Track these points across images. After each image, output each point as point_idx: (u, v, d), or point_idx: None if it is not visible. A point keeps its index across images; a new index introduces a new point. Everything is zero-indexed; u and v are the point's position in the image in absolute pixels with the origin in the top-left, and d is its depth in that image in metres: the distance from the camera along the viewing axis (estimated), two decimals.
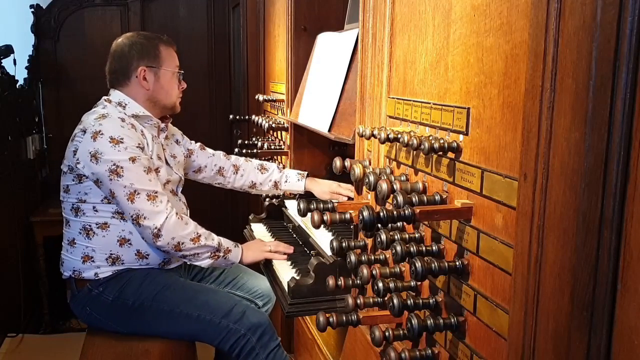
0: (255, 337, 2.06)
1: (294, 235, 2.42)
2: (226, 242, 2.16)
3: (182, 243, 2.04)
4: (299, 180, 2.40)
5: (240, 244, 2.22)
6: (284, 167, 2.56)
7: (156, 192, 2.01)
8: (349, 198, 2.19)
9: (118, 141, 1.97)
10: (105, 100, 2.17)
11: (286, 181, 2.44)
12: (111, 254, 2.12)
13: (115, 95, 2.16)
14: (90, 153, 1.97)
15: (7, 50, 3.65)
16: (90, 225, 2.10)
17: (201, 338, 2.15)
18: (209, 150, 2.53)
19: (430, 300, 1.19)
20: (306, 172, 2.43)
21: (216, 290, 2.25)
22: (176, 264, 2.24)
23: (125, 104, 2.13)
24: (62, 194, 2.15)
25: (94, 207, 2.09)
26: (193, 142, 2.50)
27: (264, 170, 2.48)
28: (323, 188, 2.30)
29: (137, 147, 2.02)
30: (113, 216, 2.08)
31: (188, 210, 2.35)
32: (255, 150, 2.74)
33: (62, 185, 2.13)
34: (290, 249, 2.20)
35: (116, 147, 1.97)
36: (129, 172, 1.97)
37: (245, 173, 2.49)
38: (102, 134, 1.98)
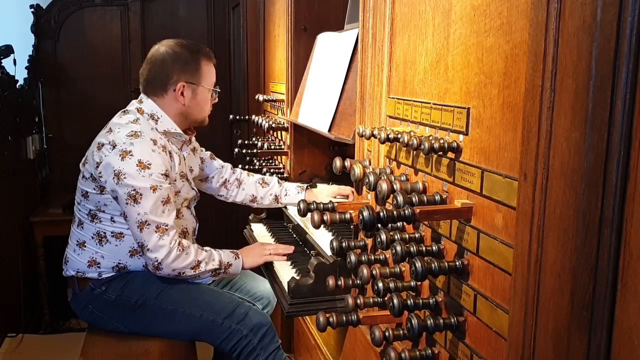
0: (256, 339, 2.08)
1: (294, 235, 2.42)
2: (226, 257, 2.17)
3: (183, 272, 2.07)
4: (298, 193, 2.40)
5: (240, 253, 2.22)
6: (284, 175, 2.56)
7: (167, 225, 2.01)
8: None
9: (145, 166, 1.95)
10: (137, 109, 2.11)
11: (286, 194, 2.44)
12: (119, 263, 2.13)
13: (148, 105, 2.11)
14: (114, 171, 1.95)
15: (7, 50, 3.65)
16: (104, 232, 2.11)
17: (203, 338, 2.16)
18: (219, 162, 2.54)
19: (430, 300, 1.19)
20: (306, 185, 2.42)
21: (219, 291, 2.25)
22: None
23: (158, 118, 2.09)
24: (79, 196, 2.13)
25: (111, 218, 2.09)
26: (203, 149, 2.50)
27: (265, 184, 2.48)
28: (323, 197, 2.29)
29: (163, 174, 2.00)
30: (129, 228, 2.07)
31: (197, 224, 2.36)
32: (255, 150, 2.74)
33: (81, 189, 2.11)
34: (290, 249, 2.21)
35: (141, 172, 1.94)
36: (147, 200, 1.96)
37: (247, 187, 2.50)
38: (131, 154, 1.95)
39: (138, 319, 2.12)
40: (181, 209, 2.20)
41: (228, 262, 2.16)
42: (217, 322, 2.08)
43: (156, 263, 2.01)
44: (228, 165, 2.55)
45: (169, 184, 2.04)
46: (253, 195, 2.49)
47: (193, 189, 2.28)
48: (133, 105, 2.15)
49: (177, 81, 2.09)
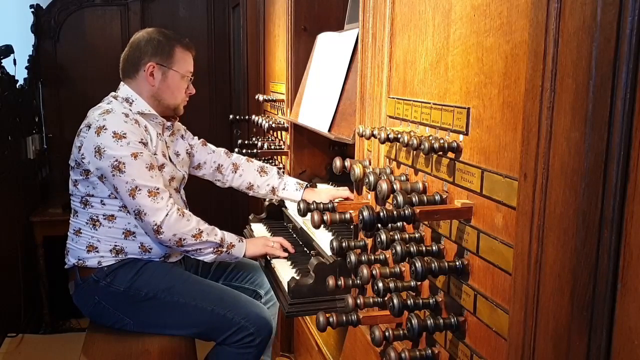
0: (258, 339, 2.13)
1: (294, 235, 2.42)
2: (230, 237, 2.18)
3: (184, 239, 2.06)
4: (297, 190, 2.37)
5: (244, 240, 2.23)
6: (284, 173, 2.54)
7: (157, 189, 2.03)
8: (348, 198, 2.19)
9: (121, 136, 2.00)
10: (111, 96, 2.20)
11: (284, 188, 2.41)
12: (115, 246, 2.14)
13: (124, 90, 2.19)
14: (94, 148, 2.00)
15: (7, 50, 3.65)
16: (97, 217, 2.13)
17: (210, 332, 2.17)
18: (210, 147, 2.52)
19: (430, 300, 1.19)
20: (306, 183, 2.40)
21: (229, 289, 2.27)
22: (176, 258, 2.27)
23: (132, 101, 2.16)
24: (71, 187, 2.18)
25: (101, 201, 2.12)
26: (196, 137, 2.50)
27: (264, 173, 2.46)
28: (322, 198, 2.27)
29: (140, 142, 2.04)
30: (120, 209, 2.11)
31: (187, 208, 2.35)
32: (255, 150, 2.74)
33: (71, 179, 2.16)
34: (292, 249, 2.21)
35: (119, 142, 1.99)
36: (131, 167, 1.99)
37: (244, 173, 2.47)
38: (105, 128, 2.00)
39: (147, 310, 2.13)
40: (170, 190, 2.19)
41: (231, 242, 2.16)
42: (227, 317, 2.11)
43: (156, 226, 2.02)
44: (221, 150, 2.53)
45: (149, 152, 2.07)
46: (250, 183, 2.47)
47: (179, 170, 2.29)
48: (110, 94, 2.23)
49: (147, 62, 2.16)
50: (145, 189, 2.00)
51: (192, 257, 2.17)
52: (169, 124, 2.25)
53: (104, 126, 2.01)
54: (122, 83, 2.22)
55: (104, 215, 2.13)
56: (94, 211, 2.13)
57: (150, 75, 2.16)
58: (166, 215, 2.02)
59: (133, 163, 2.00)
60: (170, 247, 2.14)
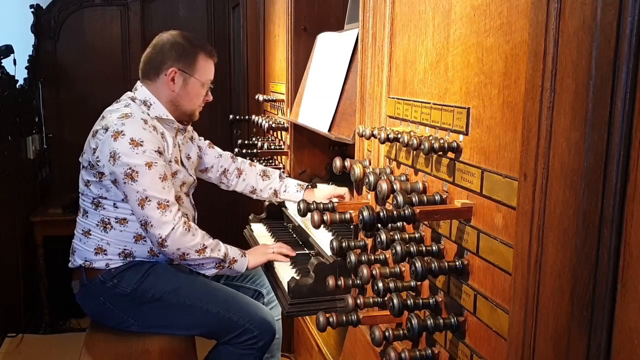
0: (262, 341, 2.14)
1: (294, 235, 2.42)
2: (233, 252, 2.17)
3: (187, 254, 2.06)
4: (297, 191, 2.40)
5: (246, 253, 2.22)
6: (287, 175, 2.56)
7: (167, 201, 2.01)
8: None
9: (138, 143, 1.97)
10: (129, 97, 2.16)
11: (285, 191, 2.44)
12: (125, 249, 2.14)
13: (142, 92, 2.15)
14: (110, 153, 1.98)
15: (7, 50, 3.65)
16: (108, 219, 2.12)
17: (213, 333, 2.18)
18: (217, 150, 2.53)
19: (430, 300, 1.19)
20: (306, 184, 2.42)
21: (235, 291, 2.27)
22: None
23: (150, 104, 2.13)
24: (82, 187, 2.16)
25: (114, 204, 2.11)
26: (202, 138, 2.51)
27: (266, 177, 2.48)
28: (319, 198, 2.27)
29: (156, 151, 2.01)
30: (132, 213, 2.08)
31: (196, 212, 2.36)
32: (255, 150, 2.74)
33: (83, 179, 2.14)
34: (293, 253, 2.21)
35: (135, 150, 1.96)
36: (144, 177, 1.97)
37: (247, 178, 2.50)
38: (123, 134, 1.97)
39: (152, 312, 2.13)
40: (180, 195, 2.20)
41: (234, 258, 2.16)
42: (232, 319, 2.12)
43: (160, 240, 2.01)
44: (227, 154, 2.54)
45: (164, 162, 2.06)
46: (253, 187, 2.49)
47: (191, 175, 2.29)
48: (127, 95, 2.20)
49: (170, 66, 2.12)
50: (155, 200, 1.99)
51: (193, 270, 2.17)
52: (182, 127, 2.24)
53: (122, 131, 1.98)
54: (139, 83, 2.19)
55: (115, 219, 2.11)
56: (106, 213, 2.12)
57: (171, 81, 2.12)
58: (172, 229, 2.00)
59: (146, 173, 1.97)
60: (172, 260, 2.14)
